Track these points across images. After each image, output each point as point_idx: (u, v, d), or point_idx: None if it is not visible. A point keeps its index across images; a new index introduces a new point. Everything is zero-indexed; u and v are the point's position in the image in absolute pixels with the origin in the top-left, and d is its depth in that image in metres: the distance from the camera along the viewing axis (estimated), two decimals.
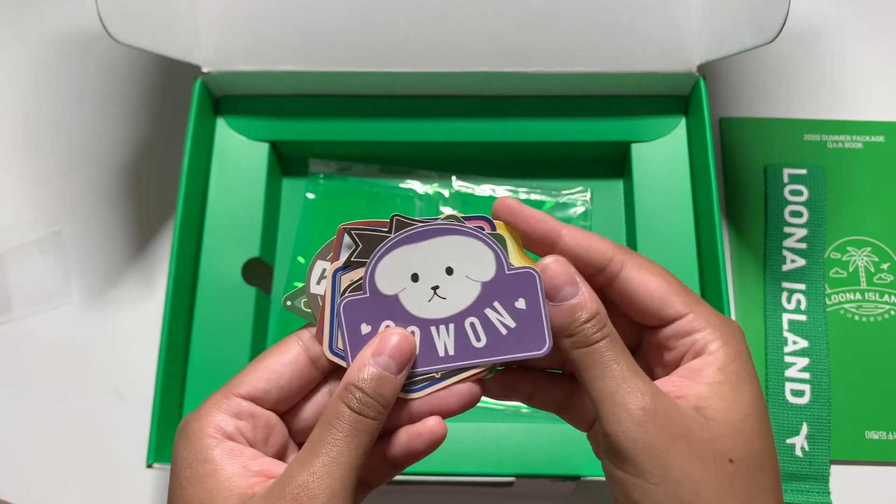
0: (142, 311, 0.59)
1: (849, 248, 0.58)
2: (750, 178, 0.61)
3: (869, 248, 0.58)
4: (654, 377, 0.32)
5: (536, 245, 0.33)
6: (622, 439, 0.29)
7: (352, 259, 0.32)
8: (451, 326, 0.32)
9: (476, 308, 0.32)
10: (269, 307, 0.56)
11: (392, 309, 0.32)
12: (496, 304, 0.32)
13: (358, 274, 0.32)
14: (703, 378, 0.30)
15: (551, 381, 0.35)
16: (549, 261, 0.31)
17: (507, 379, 0.34)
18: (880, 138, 0.62)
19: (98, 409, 0.56)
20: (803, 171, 0.60)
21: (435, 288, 0.32)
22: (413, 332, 0.32)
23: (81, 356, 0.58)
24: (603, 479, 0.47)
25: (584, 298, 0.31)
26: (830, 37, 0.65)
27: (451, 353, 0.32)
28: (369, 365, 0.30)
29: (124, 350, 0.58)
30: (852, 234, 0.59)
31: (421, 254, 0.32)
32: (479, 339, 0.32)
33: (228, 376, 0.50)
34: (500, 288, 0.32)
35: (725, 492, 0.29)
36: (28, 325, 0.59)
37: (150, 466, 0.47)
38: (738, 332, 0.32)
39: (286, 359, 0.32)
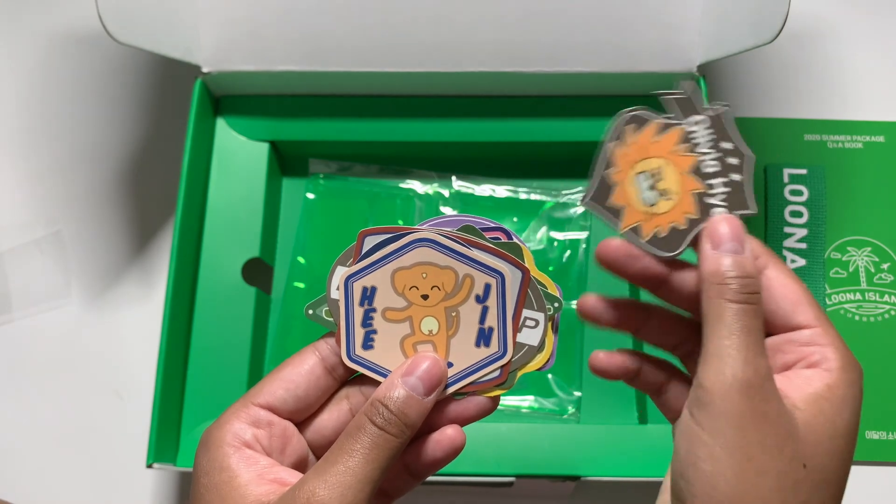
0: (142, 311, 0.59)
1: (849, 248, 0.58)
2: None
3: (869, 248, 0.58)
4: None
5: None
6: (712, 396, 0.29)
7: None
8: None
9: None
10: (269, 307, 0.56)
11: None
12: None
13: (371, 280, 0.32)
14: (810, 387, 0.30)
15: (657, 364, 0.35)
16: (720, 219, 0.31)
17: (627, 356, 0.35)
18: (880, 138, 0.62)
19: (98, 410, 0.56)
20: (803, 171, 0.60)
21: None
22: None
23: (81, 356, 0.58)
24: (603, 479, 0.47)
25: (742, 258, 0.31)
26: (830, 37, 0.65)
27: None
28: (398, 385, 0.31)
29: (124, 350, 0.58)
30: (852, 234, 0.59)
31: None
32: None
33: (228, 377, 0.52)
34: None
35: (788, 491, 0.29)
36: (28, 325, 0.59)
37: (150, 466, 0.47)
38: (858, 367, 0.31)
39: (303, 369, 0.33)
